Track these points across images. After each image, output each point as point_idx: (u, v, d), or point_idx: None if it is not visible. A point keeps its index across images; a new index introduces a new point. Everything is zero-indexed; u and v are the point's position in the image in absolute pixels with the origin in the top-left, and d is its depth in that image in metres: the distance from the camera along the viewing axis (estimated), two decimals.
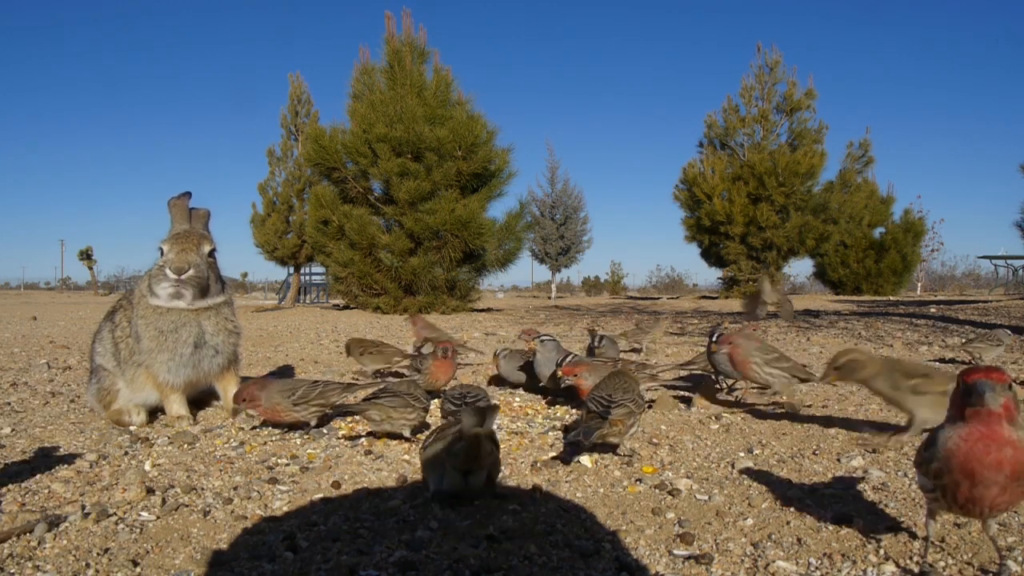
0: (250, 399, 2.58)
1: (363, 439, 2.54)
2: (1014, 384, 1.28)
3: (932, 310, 9.37)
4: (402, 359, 3.79)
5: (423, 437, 1.92)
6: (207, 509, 1.81)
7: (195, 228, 2.75)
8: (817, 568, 1.43)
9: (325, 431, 2.66)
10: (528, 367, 3.44)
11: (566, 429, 2.67)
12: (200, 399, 3.08)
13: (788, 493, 1.87)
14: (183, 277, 2.61)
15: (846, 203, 18.12)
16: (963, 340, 4.46)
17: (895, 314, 8.69)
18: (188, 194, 2.79)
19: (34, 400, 3.35)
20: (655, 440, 2.51)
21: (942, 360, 4.63)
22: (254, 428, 2.73)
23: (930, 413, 2.25)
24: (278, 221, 15.84)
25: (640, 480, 2.04)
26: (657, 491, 1.94)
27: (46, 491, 1.94)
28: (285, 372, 4.40)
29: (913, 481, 1.97)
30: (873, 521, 1.65)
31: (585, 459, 2.22)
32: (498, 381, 3.76)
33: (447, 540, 1.58)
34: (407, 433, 2.46)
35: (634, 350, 5.31)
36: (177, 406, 2.81)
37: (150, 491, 1.93)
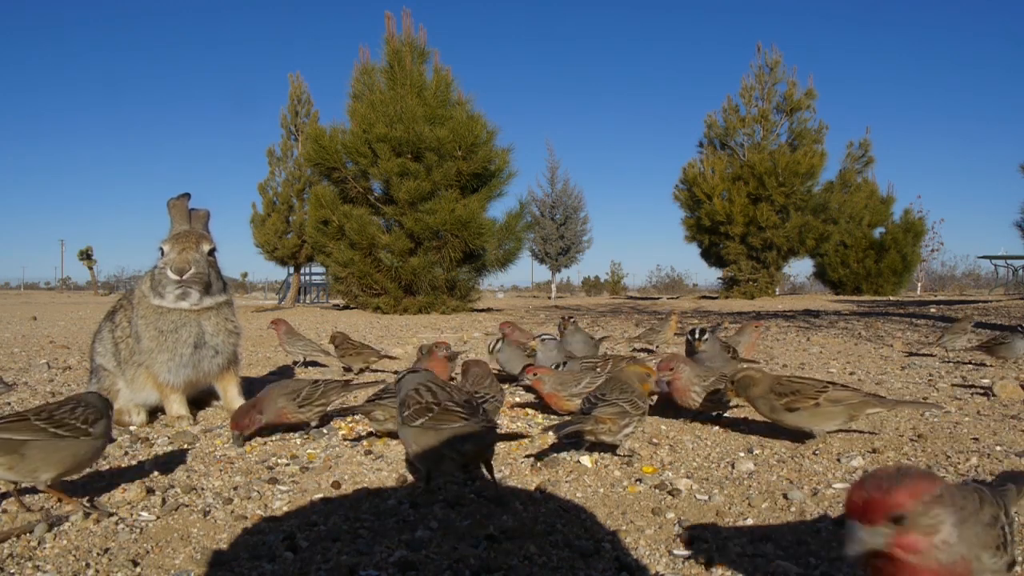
0: (250, 425, 2.48)
1: (363, 439, 2.54)
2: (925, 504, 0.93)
3: (932, 310, 9.38)
4: (378, 359, 4.21)
5: (406, 411, 1.89)
6: (207, 509, 1.81)
7: (195, 228, 2.75)
8: (817, 568, 1.43)
9: (325, 431, 2.66)
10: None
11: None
12: (200, 399, 3.08)
13: (788, 493, 1.88)
14: (185, 277, 2.61)
15: (846, 203, 18.14)
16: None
17: (895, 314, 8.70)
18: (187, 195, 2.79)
19: (34, 400, 3.35)
20: (655, 440, 2.51)
21: (945, 361, 4.63)
22: None
23: (810, 423, 2.34)
24: (278, 221, 15.85)
25: (640, 480, 2.04)
26: (657, 491, 1.94)
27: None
28: (285, 372, 4.41)
29: None
30: None
31: (585, 459, 2.22)
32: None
33: (447, 540, 1.58)
34: None
35: (646, 350, 5.41)
36: (177, 406, 2.81)
37: (150, 491, 1.93)
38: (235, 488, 1.98)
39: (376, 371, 4.34)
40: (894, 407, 2.45)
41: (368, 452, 2.37)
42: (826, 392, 2.33)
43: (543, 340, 3.30)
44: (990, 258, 21.05)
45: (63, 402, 1.87)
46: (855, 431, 2.58)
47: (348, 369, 4.27)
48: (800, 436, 2.51)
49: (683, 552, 1.52)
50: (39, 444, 1.70)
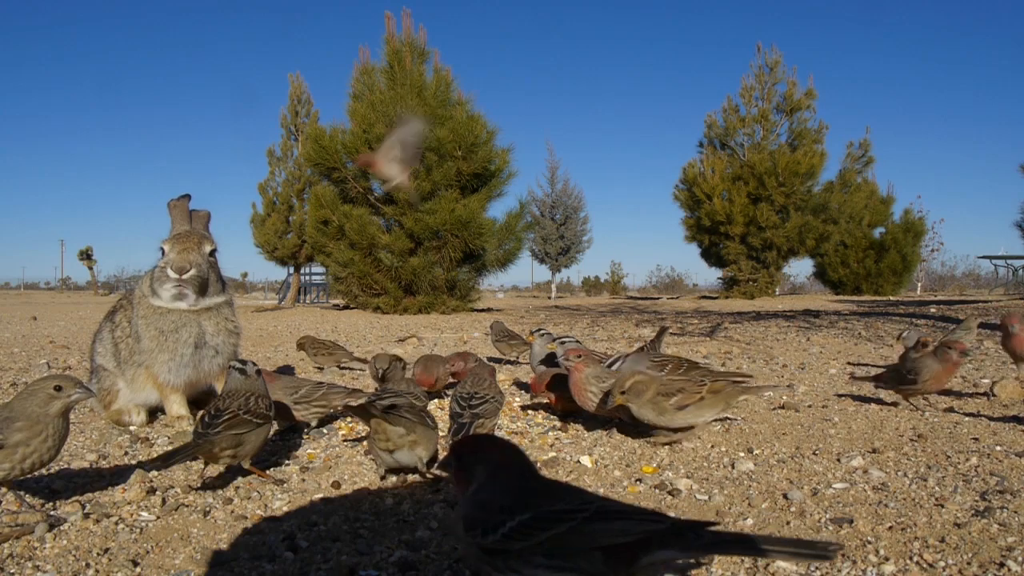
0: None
1: (363, 439, 2.54)
2: None
3: (932, 310, 9.37)
4: (349, 360, 4.35)
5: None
6: (207, 509, 1.81)
7: (196, 228, 2.75)
8: (817, 568, 1.43)
9: (325, 431, 2.66)
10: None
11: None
12: (200, 399, 3.07)
13: (788, 493, 1.88)
14: (185, 277, 2.62)
15: (846, 203, 18.13)
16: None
17: (895, 314, 8.69)
18: (188, 196, 2.79)
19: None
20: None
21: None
22: None
23: (696, 418, 2.37)
24: (278, 221, 15.84)
25: (640, 480, 2.04)
26: (657, 491, 1.94)
27: (46, 491, 1.94)
28: (285, 372, 4.40)
29: (913, 481, 1.97)
30: (873, 521, 1.65)
31: (585, 459, 2.22)
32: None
33: (447, 540, 1.58)
34: None
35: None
36: (177, 406, 2.81)
37: (150, 491, 1.93)
38: (235, 488, 1.98)
39: (346, 369, 4.44)
40: (758, 392, 2.72)
41: (368, 452, 2.37)
42: (707, 385, 2.40)
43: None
44: (990, 258, 21.09)
45: (246, 395, 2.09)
46: (856, 431, 2.58)
47: (320, 368, 4.39)
48: (803, 436, 2.50)
49: None
50: (257, 430, 2.01)
